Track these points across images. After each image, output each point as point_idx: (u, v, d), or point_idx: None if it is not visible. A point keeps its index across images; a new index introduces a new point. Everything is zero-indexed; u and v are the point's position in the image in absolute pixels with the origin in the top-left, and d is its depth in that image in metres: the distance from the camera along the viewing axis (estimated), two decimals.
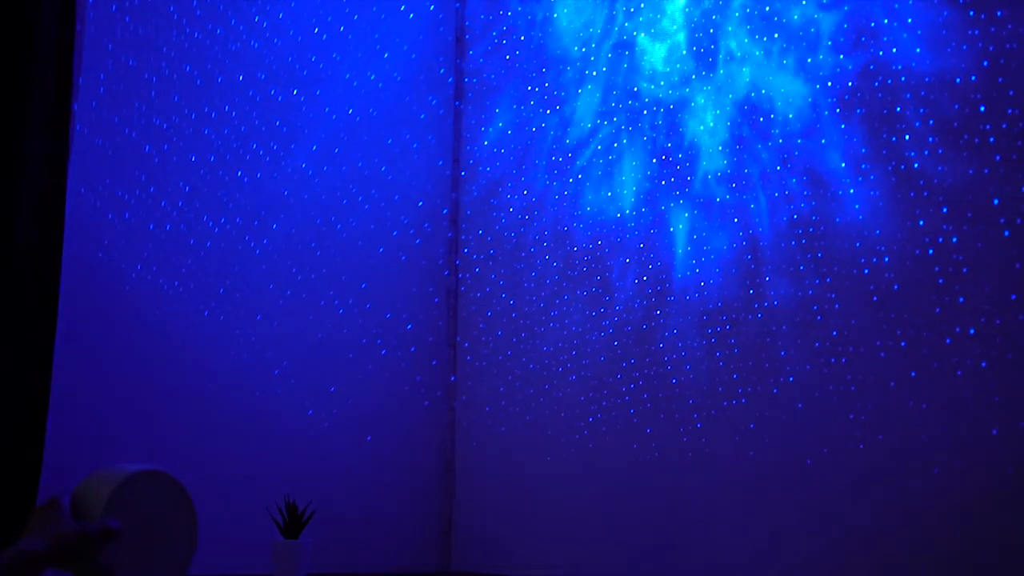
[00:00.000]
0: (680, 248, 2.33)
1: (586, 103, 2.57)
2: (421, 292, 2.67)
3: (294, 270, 2.48)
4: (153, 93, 2.30)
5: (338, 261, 2.54)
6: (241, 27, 2.45)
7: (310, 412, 2.45)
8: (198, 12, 2.39)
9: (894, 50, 1.99)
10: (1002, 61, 1.83)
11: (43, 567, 1.19)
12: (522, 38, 2.75)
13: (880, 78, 2.00)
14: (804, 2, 2.16)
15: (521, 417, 2.59)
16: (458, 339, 2.73)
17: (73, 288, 2.08)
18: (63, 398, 2.03)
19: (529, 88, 2.71)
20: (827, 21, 2.12)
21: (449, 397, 2.67)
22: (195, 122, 2.36)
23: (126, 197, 2.25)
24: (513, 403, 2.61)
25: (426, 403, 2.63)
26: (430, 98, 2.74)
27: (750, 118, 2.23)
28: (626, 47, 2.51)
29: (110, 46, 2.23)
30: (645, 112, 2.44)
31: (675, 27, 2.41)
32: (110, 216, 2.22)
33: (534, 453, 2.54)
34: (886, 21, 2.01)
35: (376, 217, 2.61)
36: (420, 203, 2.68)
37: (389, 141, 2.66)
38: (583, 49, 2.59)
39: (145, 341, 2.24)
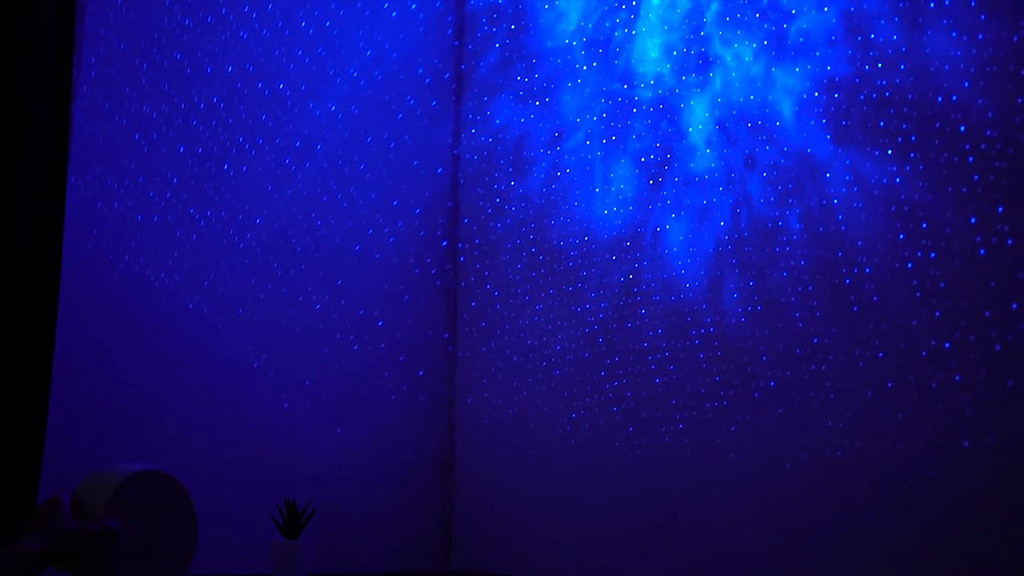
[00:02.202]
0: (665, 248, 2.36)
1: (571, 100, 2.60)
2: (392, 289, 2.68)
3: (275, 265, 2.48)
4: (144, 80, 2.27)
5: (317, 257, 2.54)
6: (231, 16, 2.43)
7: (286, 405, 2.45)
8: None
9: (880, 65, 2.03)
10: (982, 84, 1.89)
11: (43, 567, 1.19)
12: (510, 29, 2.76)
13: (865, 92, 2.05)
14: (793, 11, 2.19)
15: (504, 410, 2.61)
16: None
17: (63, 279, 2.05)
18: (59, 396, 2.01)
19: (515, 82, 2.72)
20: (816, 31, 2.16)
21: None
22: (184, 112, 2.33)
23: (115, 186, 2.22)
24: (496, 395, 2.64)
25: (392, 397, 2.65)
26: (408, 98, 2.74)
27: (737, 123, 2.27)
28: (610, 45, 2.53)
29: (102, 30, 2.19)
30: (635, 111, 2.46)
31: (659, 28, 2.44)
32: (99, 205, 2.20)
33: (517, 448, 2.57)
34: (872, 36, 2.06)
35: (353, 214, 2.62)
36: (395, 202, 2.69)
37: (368, 140, 2.66)
38: (571, 43, 2.61)
39: (138, 335, 2.22)
